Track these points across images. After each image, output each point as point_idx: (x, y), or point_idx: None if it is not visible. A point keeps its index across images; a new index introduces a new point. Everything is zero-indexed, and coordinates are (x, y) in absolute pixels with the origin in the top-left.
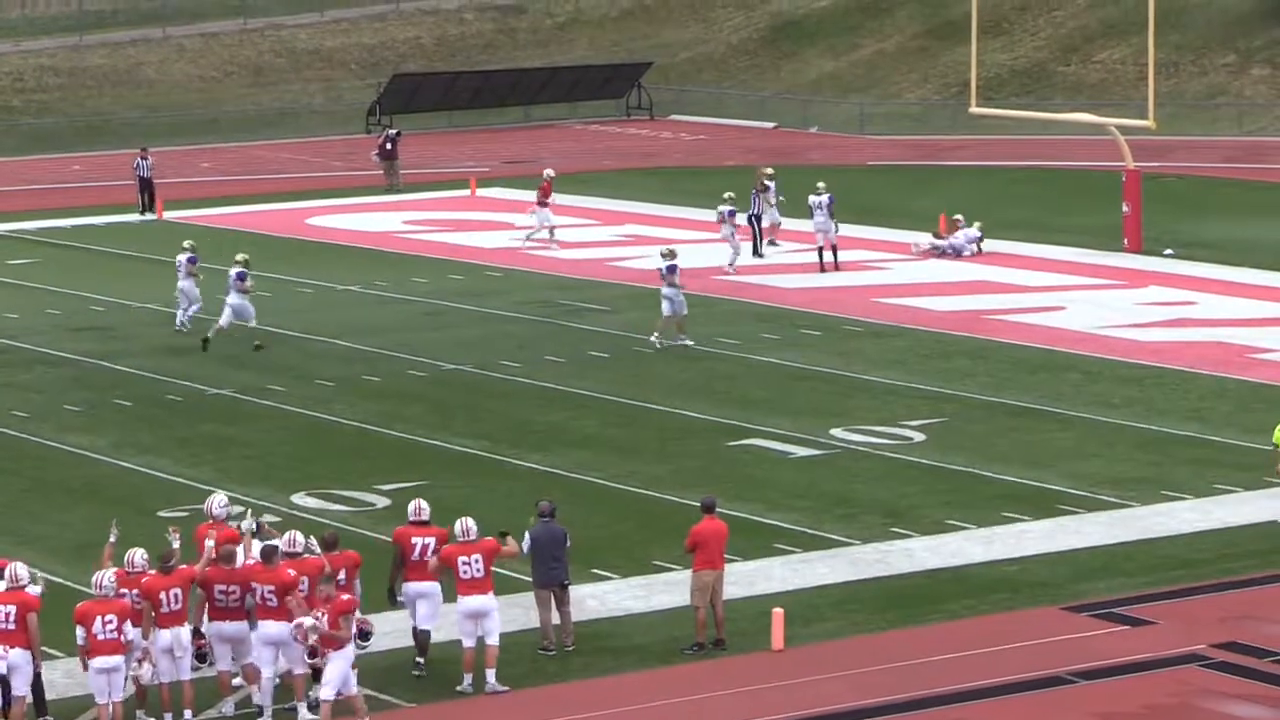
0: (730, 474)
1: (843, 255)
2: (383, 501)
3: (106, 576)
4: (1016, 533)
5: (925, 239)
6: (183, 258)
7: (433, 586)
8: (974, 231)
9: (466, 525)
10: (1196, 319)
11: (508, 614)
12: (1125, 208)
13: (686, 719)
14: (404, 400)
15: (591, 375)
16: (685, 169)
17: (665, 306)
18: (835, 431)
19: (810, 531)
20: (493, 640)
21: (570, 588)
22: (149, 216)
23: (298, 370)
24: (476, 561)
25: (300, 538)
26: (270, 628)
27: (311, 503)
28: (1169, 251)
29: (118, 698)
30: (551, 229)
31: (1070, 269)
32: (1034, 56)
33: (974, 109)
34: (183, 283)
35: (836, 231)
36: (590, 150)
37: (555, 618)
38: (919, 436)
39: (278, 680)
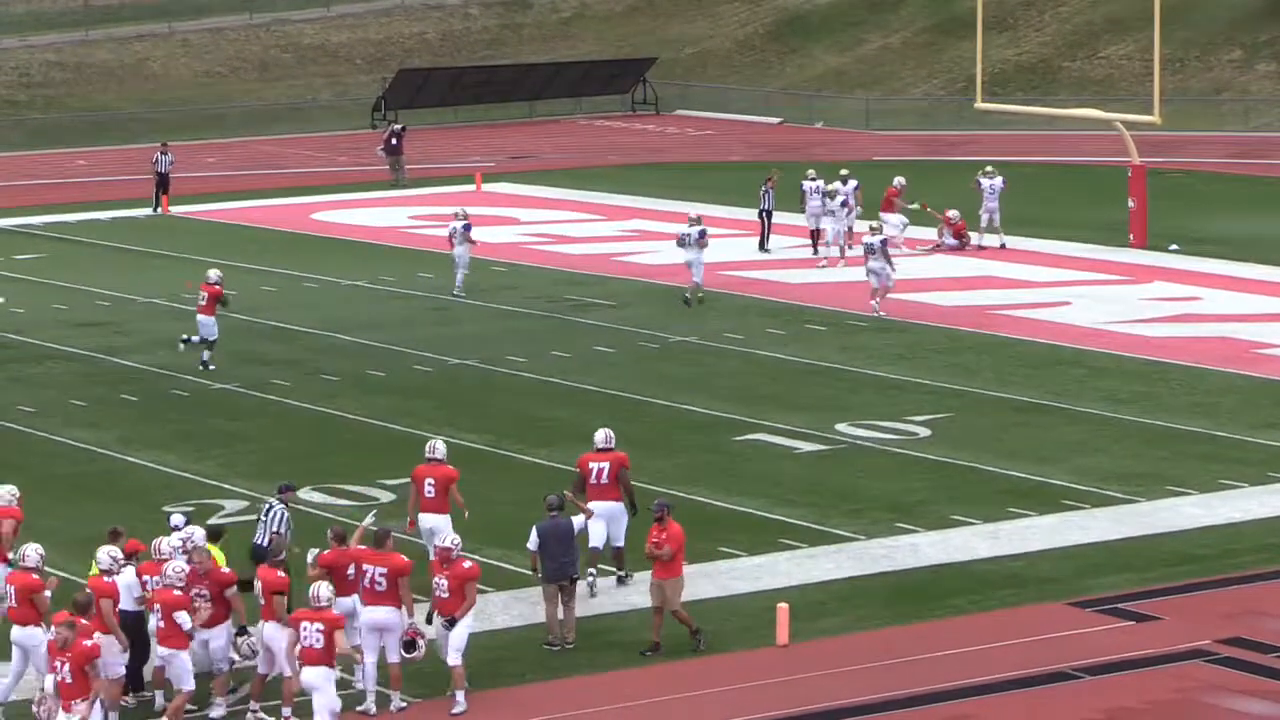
0: (736, 469)
1: (848, 250)
2: (387, 496)
3: (173, 566)
4: (1022, 528)
5: (929, 235)
6: (458, 224)
7: (616, 507)
8: (997, 181)
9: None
10: (1202, 314)
11: (513, 609)
12: (1131, 203)
13: (691, 714)
14: (410, 395)
15: (597, 370)
16: (690, 164)
17: (872, 280)
18: (841, 426)
19: (816, 526)
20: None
21: (578, 582)
22: (156, 211)
23: (303, 365)
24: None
25: (199, 535)
26: (378, 613)
27: (317, 497)
28: (1174, 247)
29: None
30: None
31: (1076, 264)
32: (1040, 52)
33: (980, 104)
34: (457, 249)
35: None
36: (595, 146)
37: (559, 613)
38: (925, 432)
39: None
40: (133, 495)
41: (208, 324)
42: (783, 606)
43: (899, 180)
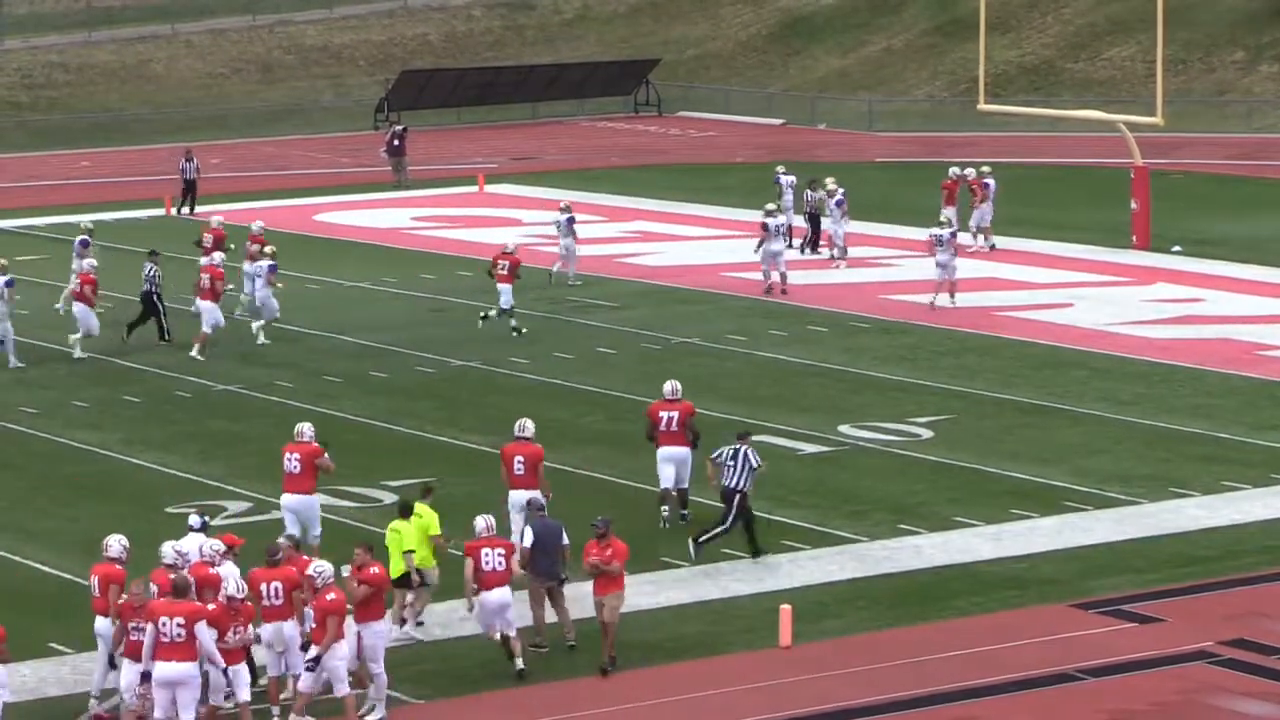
0: None
1: (851, 252)
2: (390, 498)
3: (234, 581)
4: (1024, 529)
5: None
6: (562, 218)
7: (684, 452)
8: (991, 182)
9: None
10: (1204, 316)
11: (513, 609)
12: (1133, 204)
13: (694, 716)
14: (411, 396)
15: (599, 371)
16: (693, 165)
17: (939, 273)
18: (843, 428)
19: (818, 528)
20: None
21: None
22: (192, 214)
23: (305, 366)
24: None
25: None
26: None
27: (319, 499)
28: (1177, 248)
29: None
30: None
31: (1078, 266)
32: (1042, 53)
33: (982, 106)
34: (563, 241)
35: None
36: (598, 147)
37: (547, 615)
38: (927, 433)
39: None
40: (135, 497)
41: (508, 291)
42: (785, 608)
43: (968, 171)
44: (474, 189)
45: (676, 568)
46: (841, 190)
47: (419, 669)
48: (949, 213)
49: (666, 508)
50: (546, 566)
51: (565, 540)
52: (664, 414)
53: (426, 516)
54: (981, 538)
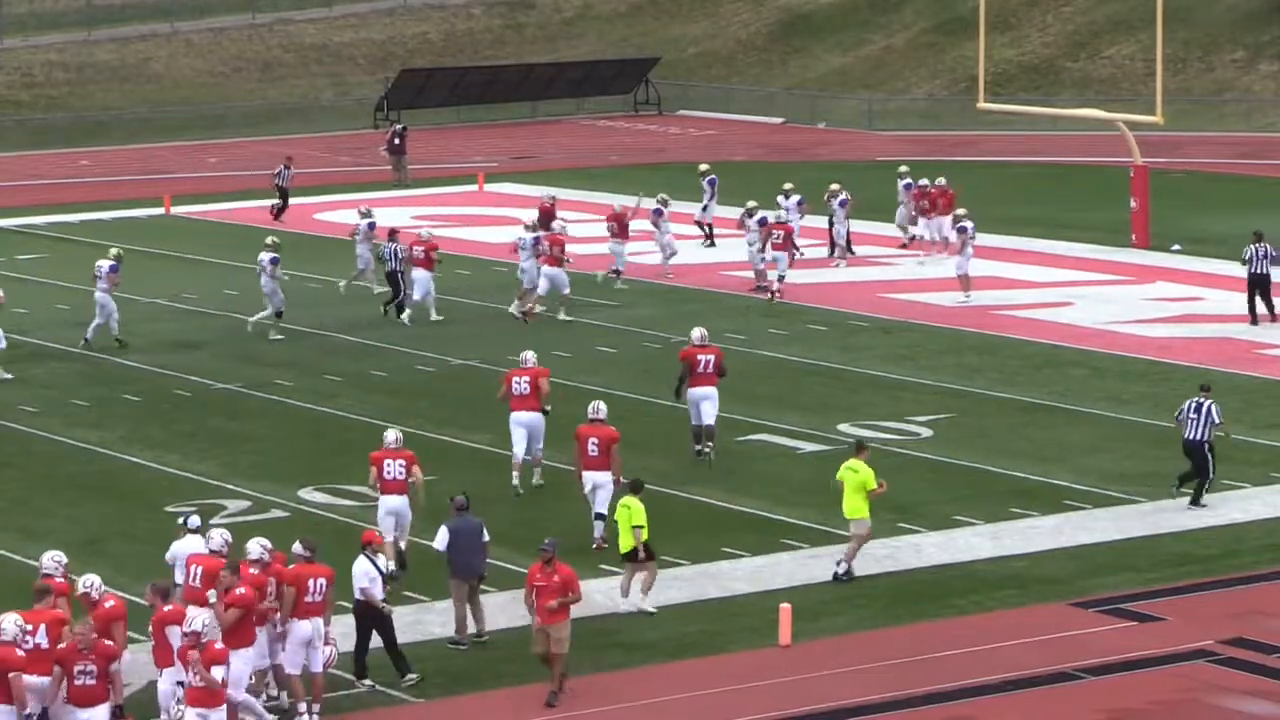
0: (738, 469)
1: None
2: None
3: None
4: (1024, 528)
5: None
6: (658, 209)
7: (714, 390)
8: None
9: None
10: (1204, 314)
11: (512, 609)
12: (1133, 203)
13: (694, 714)
14: (411, 395)
15: (600, 370)
16: (693, 164)
17: (966, 266)
18: (843, 427)
19: (818, 527)
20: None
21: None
22: (279, 218)
23: (305, 365)
24: None
25: (266, 543)
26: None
27: (319, 498)
28: (1177, 247)
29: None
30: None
31: (1078, 264)
32: (1042, 52)
33: (982, 104)
34: (660, 235)
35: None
36: (598, 146)
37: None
38: (927, 432)
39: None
40: (134, 495)
41: (784, 260)
42: (785, 607)
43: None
44: (474, 188)
45: (676, 566)
46: (789, 201)
47: (419, 669)
48: (952, 217)
49: (700, 447)
50: (462, 565)
51: (486, 537)
52: (701, 357)
53: (863, 472)
54: (981, 536)
